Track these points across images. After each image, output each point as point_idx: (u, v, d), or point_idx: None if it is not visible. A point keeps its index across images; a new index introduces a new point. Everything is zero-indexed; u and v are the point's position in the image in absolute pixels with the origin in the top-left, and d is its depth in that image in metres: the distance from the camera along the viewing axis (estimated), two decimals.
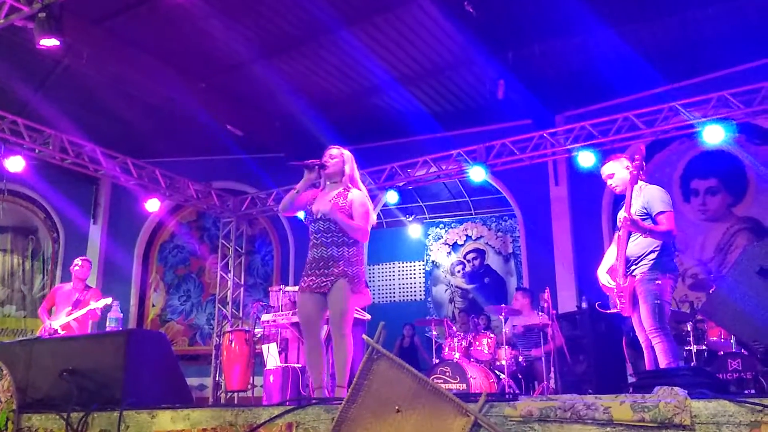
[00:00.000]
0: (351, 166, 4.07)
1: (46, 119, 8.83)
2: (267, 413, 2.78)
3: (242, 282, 11.16)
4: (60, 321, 6.67)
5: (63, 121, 9.07)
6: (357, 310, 5.75)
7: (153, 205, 9.95)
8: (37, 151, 8.53)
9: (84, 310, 6.72)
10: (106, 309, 6.31)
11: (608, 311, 4.52)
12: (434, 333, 7.87)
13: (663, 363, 3.93)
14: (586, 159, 8.16)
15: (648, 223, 4.15)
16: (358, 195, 3.99)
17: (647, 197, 4.23)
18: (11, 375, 3.52)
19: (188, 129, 10.19)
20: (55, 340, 5.00)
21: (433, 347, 7.78)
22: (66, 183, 10.88)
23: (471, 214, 11.84)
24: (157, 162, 10.15)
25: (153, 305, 11.55)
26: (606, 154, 8.03)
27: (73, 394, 3.32)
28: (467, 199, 11.68)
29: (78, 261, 7.09)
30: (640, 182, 4.29)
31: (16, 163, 8.52)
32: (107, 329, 4.86)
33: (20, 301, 11.40)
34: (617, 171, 4.37)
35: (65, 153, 8.71)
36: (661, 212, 4.15)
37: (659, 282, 4.07)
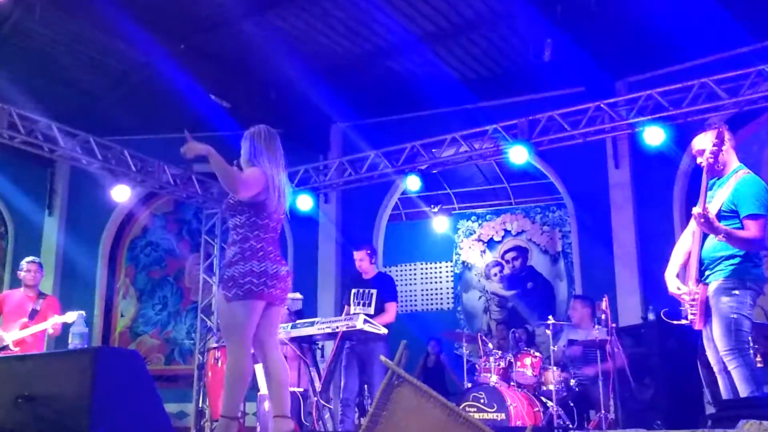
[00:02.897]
0: (244, 146, 4.52)
1: None
2: None
3: None
4: (13, 335, 6.77)
5: (11, 91, 9.17)
6: (372, 323, 5.82)
7: (121, 194, 10.03)
8: None
9: (47, 324, 6.80)
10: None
11: (677, 322, 4.50)
12: (465, 350, 7.90)
13: (744, 391, 3.92)
14: (653, 136, 8.12)
15: (730, 226, 4.09)
16: None
17: (739, 191, 4.15)
18: None
19: (164, 100, 10.25)
20: (9, 359, 5.08)
21: (464, 368, 7.81)
22: (16, 166, 10.98)
23: (510, 204, 11.85)
24: (126, 140, 10.21)
25: (122, 315, 11.69)
26: (679, 129, 8.04)
27: (29, 425, 3.39)
28: (506, 185, 11.70)
29: (24, 265, 7.13)
30: (740, 167, 4.23)
31: None
32: (70, 346, 4.92)
33: None
34: (710, 147, 4.18)
35: (14, 130, 8.78)
36: (751, 215, 4.07)
37: (737, 293, 4.05)
